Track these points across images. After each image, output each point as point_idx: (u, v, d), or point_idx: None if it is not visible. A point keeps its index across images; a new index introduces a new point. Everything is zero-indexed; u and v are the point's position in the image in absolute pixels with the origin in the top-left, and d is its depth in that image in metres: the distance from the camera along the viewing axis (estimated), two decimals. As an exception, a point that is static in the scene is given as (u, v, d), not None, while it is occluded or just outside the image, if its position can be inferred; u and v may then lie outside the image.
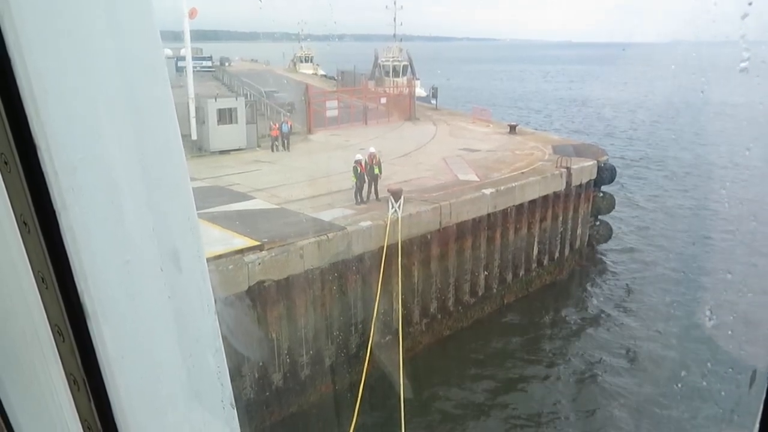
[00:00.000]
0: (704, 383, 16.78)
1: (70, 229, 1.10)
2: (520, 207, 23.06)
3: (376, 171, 21.26)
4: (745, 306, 18.50)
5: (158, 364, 1.28)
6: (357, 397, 16.05)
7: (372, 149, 22.19)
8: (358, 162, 20.91)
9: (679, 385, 17.43)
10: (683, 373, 17.74)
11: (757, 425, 0.86)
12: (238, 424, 1.52)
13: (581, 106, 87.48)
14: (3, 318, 1.37)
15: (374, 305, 17.93)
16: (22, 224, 1.14)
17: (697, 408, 16.59)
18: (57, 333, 1.21)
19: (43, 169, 1.07)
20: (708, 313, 20.13)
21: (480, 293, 21.94)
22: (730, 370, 16.12)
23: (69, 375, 1.24)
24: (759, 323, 18.61)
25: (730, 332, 17.03)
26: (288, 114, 35.66)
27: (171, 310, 1.29)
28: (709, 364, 17.22)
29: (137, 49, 1.19)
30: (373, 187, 21.11)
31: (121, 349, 1.20)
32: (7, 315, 1.36)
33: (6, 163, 1.08)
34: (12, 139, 1.06)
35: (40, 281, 1.18)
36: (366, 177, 21.02)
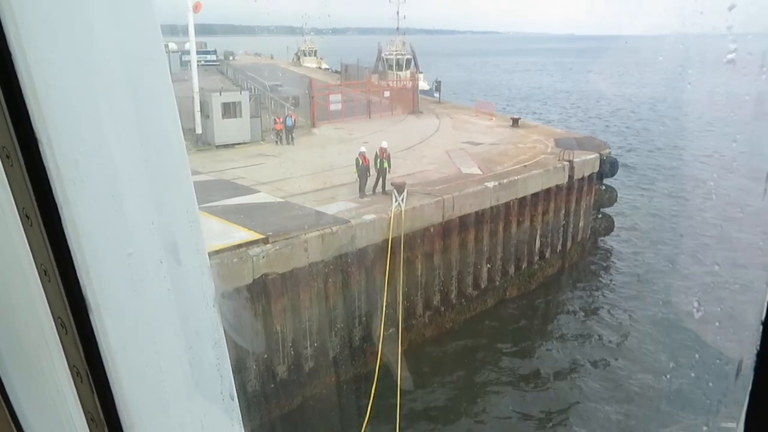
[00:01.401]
0: (692, 374, 16.84)
1: (72, 222, 1.11)
2: (522, 200, 23.05)
3: (385, 165, 21.23)
4: (732, 298, 18.52)
5: (159, 356, 1.29)
6: (371, 387, 16.25)
7: (384, 144, 22.11)
8: (361, 155, 20.88)
9: (668, 377, 17.52)
10: (672, 365, 17.80)
11: (743, 416, 0.87)
12: (239, 415, 1.54)
13: (569, 96, 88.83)
14: (7, 310, 1.38)
15: (382, 297, 17.99)
16: (25, 217, 1.15)
17: (686, 398, 16.72)
18: (60, 325, 1.22)
19: (45, 163, 1.08)
20: (696, 304, 19.97)
21: (483, 286, 21.95)
22: (718, 361, 16.14)
23: (72, 367, 1.25)
24: (745, 315, 18.61)
25: (717, 323, 17.07)
26: (292, 108, 35.63)
27: (172, 302, 1.30)
28: (697, 356, 17.23)
29: (138, 42, 1.20)
30: (380, 180, 21.08)
31: (123, 340, 1.21)
32: (11, 307, 1.37)
33: (8, 156, 1.09)
34: (14, 132, 1.07)
35: (43, 274, 1.18)
36: (369, 170, 20.99)
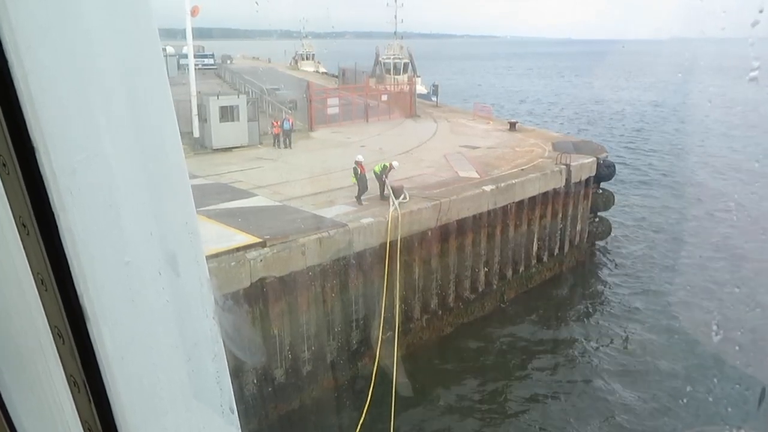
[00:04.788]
0: (710, 399, 16.36)
1: (69, 231, 1.10)
2: (520, 203, 23.07)
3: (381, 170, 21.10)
4: (753, 321, 18.10)
5: (158, 367, 1.28)
6: (369, 390, 16.25)
7: (395, 163, 21.68)
8: (358, 163, 20.78)
9: (684, 401, 17.05)
10: (688, 388, 17.32)
11: None
12: (239, 428, 1.52)
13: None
14: (3, 320, 1.37)
15: (380, 300, 17.99)
16: (21, 226, 1.13)
17: (703, 424, 16.19)
18: (57, 335, 1.21)
19: (42, 171, 1.06)
20: (714, 327, 19.59)
21: (480, 289, 21.96)
22: (737, 386, 15.79)
23: (69, 377, 1.24)
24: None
25: (737, 347, 16.69)
26: (290, 111, 35.63)
27: (170, 313, 1.28)
28: (715, 380, 16.79)
29: (135, 48, 1.19)
30: (384, 185, 20.90)
31: (121, 351, 1.19)
32: (7, 317, 1.36)
33: (4, 165, 1.08)
34: (10, 141, 1.06)
35: (40, 283, 1.17)
36: (367, 178, 20.82)
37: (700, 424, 16.19)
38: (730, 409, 15.13)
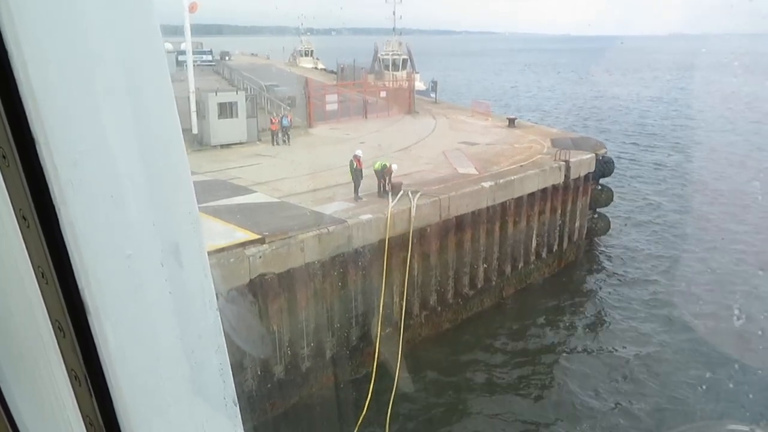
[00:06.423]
0: (731, 385, 16.09)
1: (70, 224, 1.09)
2: (519, 200, 23.06)
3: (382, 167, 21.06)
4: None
5: (160, 360, 1.27)
6: (368, 387, 16.32)
7: (394, 166, 21.40)
8: (356, 157, 20.78)
9: (704, 387, 16.73)
10: (708, 374, 16.99)
11: None
12: (240, 421, 1.52)
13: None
14: (3, 314, 1.36)
15: (379, 297, 17.99)
16: (22, 219, 1.13)
17: (723, 411, 15.80)
18: (58, 328, 1.20)
19: (42, 164, 1.05)
20: (736, 311, 19.35)
21: (479, 286, 21.96)
22: (759, 372, 15.60)
23: (70, 371, 1.23)
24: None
25: (760, 332, 16.47)
26: (288, 108, 35.58)
27: (172, 305, 1.27)
28: (736, 365, 16.56)
29: (137, 41, 1.18)
30: (384, 184, 20.91)
31: (122, 344, 1.19)
32: (8, 310, 1.35)
33: (4, 157, 1.07)
34: (10, 133, 1.05)
35: (40, 276, 1.16)
36: (363, 174, 20.81)
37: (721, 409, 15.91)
38: (751, 396, 14.94)
